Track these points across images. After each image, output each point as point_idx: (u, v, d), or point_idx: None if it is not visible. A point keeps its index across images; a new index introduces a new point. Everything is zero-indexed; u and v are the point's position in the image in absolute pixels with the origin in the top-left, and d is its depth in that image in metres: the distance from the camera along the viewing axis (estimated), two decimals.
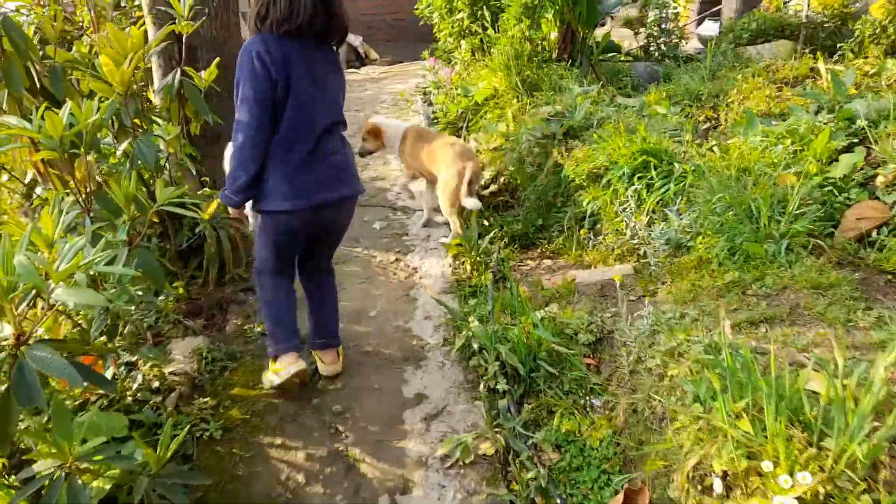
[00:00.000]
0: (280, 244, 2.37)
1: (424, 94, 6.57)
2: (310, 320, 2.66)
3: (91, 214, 2.21)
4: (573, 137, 3.68)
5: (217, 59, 3.78)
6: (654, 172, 2.91)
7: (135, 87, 2.48)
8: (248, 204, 2.31)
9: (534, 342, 2.45)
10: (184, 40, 2.83)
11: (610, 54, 6.39)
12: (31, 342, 1.48)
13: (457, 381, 2.55)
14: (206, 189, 3.54)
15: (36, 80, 2.34)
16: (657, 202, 2.87)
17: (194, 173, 3.15)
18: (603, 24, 7.56)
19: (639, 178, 2.98)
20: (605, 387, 2.17)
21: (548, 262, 3.41)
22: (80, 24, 2.85)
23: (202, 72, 2.79)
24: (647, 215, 2.86)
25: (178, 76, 2.72)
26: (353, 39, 10.90)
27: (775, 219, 2.46)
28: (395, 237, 3.83)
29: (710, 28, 7.26)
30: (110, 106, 2.18)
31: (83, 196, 2.34)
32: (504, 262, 3.39)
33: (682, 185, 2.81)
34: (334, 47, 2.29)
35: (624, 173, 2.97)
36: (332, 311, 2.66)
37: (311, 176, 2.21)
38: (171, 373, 2.56)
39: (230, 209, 2.34)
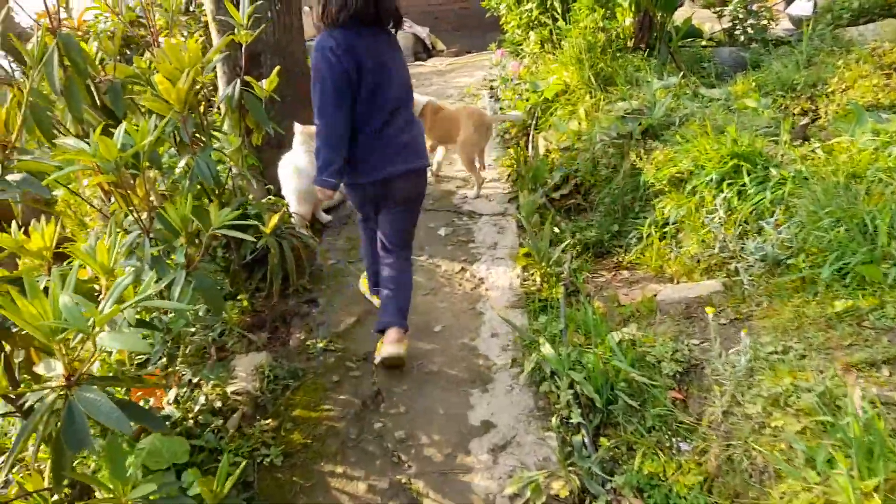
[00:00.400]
0: (360, 207, 2.78)
1: (491, 88, 6.36)
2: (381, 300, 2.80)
3: (151, 235, 2.17)
4: (652, 137, 3.40)
5: (278, 66, 3.77)
6: (746, 178, 2.61)
7: (193, 101, 2.44)
8: None
9: (611, 369, 2.25)
10: (244, 49, 2.77)
11: (689, 39, 5.97)
12: (82, 381, 1.43)
13: (526, 407, 2.38)
14: (270, 197, 3.51)
15: (96, 97, 2.32)
16: (751, 212, 2.58)
17: (255, 186, 3.10)
18: (681, 5, 7.09)
19: (729, 185, 2.69)
20: (693, 427, 1.94)
21: (625, 273, 3.17)
22: (152, 28, 2.85)
23: (265, 78, 2.72)
24: (738, 226, 2.58)
25: (237, 87, 2.66)
26: (420, 31, 10.78)
27: (895, 235, 2.13)
28: (460, 245, 3.68)
29: (803, 7, 6.66)
30: (167, 125, 2.13)
31: (143, 216, 2.31)
32: (577, 273, 3.18)
33: (780, 193, 2.51)
34: (392, 31, 2.50)
35: (712, 179, 2.69)
36: (404, 295, 2.72)
37: (381, 152, 2.48)
38: (233, 392, 2.52)
39: (325, 192, 2.49)
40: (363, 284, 3.22)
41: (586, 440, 2.09)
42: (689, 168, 2.85)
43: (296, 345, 2.94)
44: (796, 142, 2.94)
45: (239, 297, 3.11)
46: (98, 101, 2.37)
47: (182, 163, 2.38)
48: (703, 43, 6.06)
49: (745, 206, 2.56)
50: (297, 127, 3.62)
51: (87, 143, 1.95)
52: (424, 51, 10.78)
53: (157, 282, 2.13)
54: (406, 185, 2.59)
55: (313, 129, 3.45)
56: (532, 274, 3.19)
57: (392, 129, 2.47)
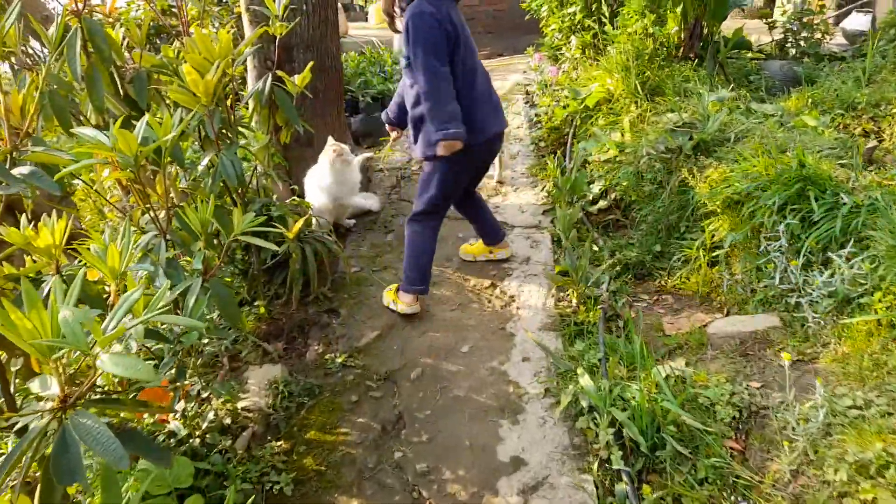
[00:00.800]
0: (459, 180, 2.84)
1: (526, 93, 6.18)
2: (480, 230, 3.34)
3: (168, 237, 2.04)
4: (704, 153, 3.20)
5: (311, 61, 3.64)
6: (814, 205, 2.41)
7: (221, 94, 2.31)
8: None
9: (658, 409, 2.07)
10: (277, 41, 2.63)
11: (736, 51, 5.73)
12: (79, 404, 1.29)
13: (560, 444, 2.20)
14: (295, 198, 3.37)
15: (119, 86, 2.20)
16: (817, 242, 2.37)
17: (280, 186, 2.97)
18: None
19: (792, 211, 2.49)
20: (754, 485, 1.75)
21: (668, 298, 2.98)
22: (183, 18, 2.73)
23: (297, 74, 2.58)
24: (803, 257, 2.37)
25: (268, 82, 2.53)
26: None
27: None
28: (492, 263, 3.51)
29: (859, 21, 6.39)
30: (192, 119, 2.00)
31: (161, 214, 2.18)
32: (616, 295, 2.99)
33: (852, 222, 2.30)
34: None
35: (774, 203, 2.49)
36: (491, 215, 3.33)
37: (483, 113, 2.67)
38: (244, 408, 2.38)
39: (448, 144, 2.54)
40: (388, 296, 3.07)
41: (629, 489, 1.91)
42: (747, 189, 2.64)
43: (313, 358, 2.79)
44: (870, 168, 2.73)
45: (256, 303, 2.98)
46: (121, 91, 2.25)
47: (206, 160, 2.25)
48: (751, 55, 5.83)
49: (812, 235, 2.35)
50: (330, 141, 3.48)
51: (107, 135, 1.83)
52: None
53: (171, 289, 2.01)
54: (499, 144, 2.91)
55: (343, 146, 3.33)
56: (568, 294, 3.01)
57: (485, 90, 2.73)
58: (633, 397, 2.12)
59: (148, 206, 2.19)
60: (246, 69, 3.73)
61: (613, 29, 4.34)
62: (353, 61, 6.75)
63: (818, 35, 5.60)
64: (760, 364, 2.17)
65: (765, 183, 2.58)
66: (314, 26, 3.67)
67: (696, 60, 4.59)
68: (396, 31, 2.74)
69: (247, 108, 2.95)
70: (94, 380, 1.25)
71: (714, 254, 2.92)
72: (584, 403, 2.25)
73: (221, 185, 2.48)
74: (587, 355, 2.52)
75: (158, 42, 5.18)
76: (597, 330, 2.74)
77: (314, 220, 3.53)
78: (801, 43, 5.57)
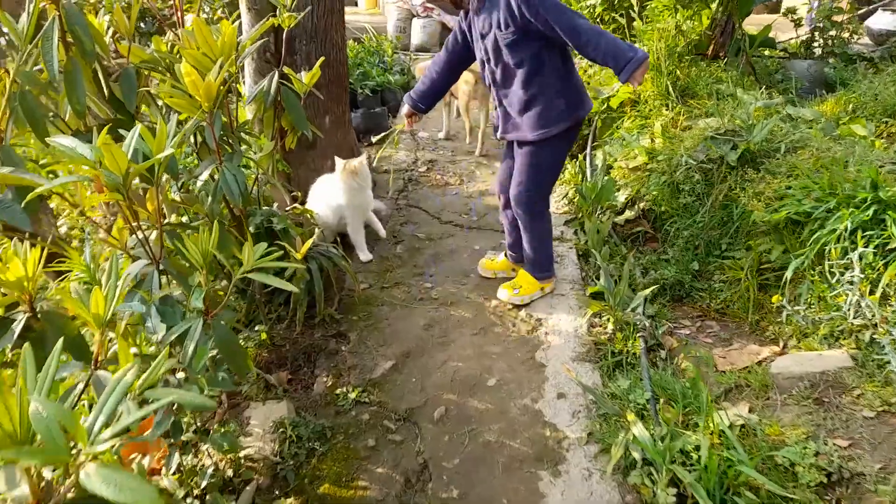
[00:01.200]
0: (564, 158, 2.78)
1: None
2: (514, 243, 3.13)
3: (161, 267, 1.76)
4: (750, 164, 2.96)
5: (315, 54, 3.34)
6: (894, 230, 2.18)
7: (224, 96, 2.02)
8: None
9: (723, 462, 1.83)
10: (280, 33, 2.35)
11: (758, 49, 5.51)
12: None
13: (610, 503, 1.96)
14: (297, 206, 3.08)
15: (104, 84, 1.91)
16: None
17: (283, 192, 2.68)
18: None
19: (864, 236, 2.26)
20: None
21: (712, 325, 2.75)
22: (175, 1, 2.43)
23: (300, 69, 2.31)
24: (881, 288, 2.14)
25: (274, 80, 2.25)
26: (449, 20, 10.26)
27: None
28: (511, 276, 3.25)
29: (886, 21, 6.20)
30: (190, 128, 1.72)
31: (153, 236, 1.90)
32: (655, 321, 2.75)
33: None
34: None
35: (846, 228, 2.25)
36: None
37: (582, 86, 2.67)
38: (247, 457, 2.11)
39: (643, 69, 2.38)
40: (509, 293, 3.01)
41: None
42: (808, 209, 2.41)
43: (321, 391, 2.52)
44: None
45: (256, 328, 2.70)
46: (105, 91, 1.96)
47: (205, 173, 1.96)
48: (775, 53, 5.61)
49: (893, 266, 2.12)
50: (339, 162, 3.21)
51: (90, 147, 1.55)
52: None
53: (167, 330, 1.73)
54: None
55: (357, 163, 3.07)
56: (604, 320, 2.76)
57: (575, 68, 2.69)
58: (696, 449, 1.89)
59: (137, 225, 1.91)
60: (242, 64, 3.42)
61: (643, 23, 4.08)
62: (350, 51, 6.44)
63: (846, 34, 5.39)
64: (841, 415, 1.94)
65: (834, 204, 2.34)
66: (319, 15, 3.37)
67: (726, 60, 4.36)
68: (459, 6, 2.63)
69: (243, 108, 2.67)
70: (71, 488, 0.98)
71: (764, 277, 2.69)
72: (635, 455, 2.01)
73: (218, 223, 2.20)
74: (633, 393, 2.28)
75: (143, 26, 4.83)
76: (638, 362, 2.51)
77: (316, 231, 3.26)
78: (830, 42, 5.35)
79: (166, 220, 2.19)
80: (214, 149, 1.89)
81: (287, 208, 3.08)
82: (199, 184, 1.92)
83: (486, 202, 4.09)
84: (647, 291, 2.67)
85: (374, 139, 4.94)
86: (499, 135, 2.78)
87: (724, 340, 2.61)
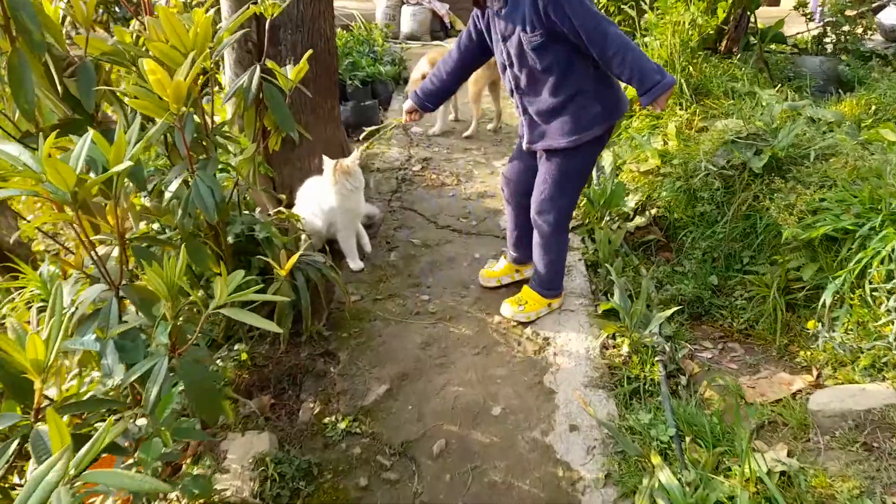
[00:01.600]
0: (593, 165, 2.59)
1: None
2: (518, 240, 2.93)
3: (122, 293, 1.53)
4: (776, 172, 2.76)
5: (301, 45, 3.10)
6: None
7: (198, 95, 1.78)
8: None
9: None
10: (263, 22, 2.11)
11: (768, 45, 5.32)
12: None
13: None
14: (282, 210, 2.85)
15: (56, 81, 1.67)
16: None
17: (265, 198, 2.46)
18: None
19: None
20: None
21: (736, 348, 2.56)
22: None
23: (284, 61, 2.08)
24: None
25: (256, 76, 2.01)
26: (439, 7, 9.94)
27: None
28: (516, 285, 3.04)
29: None
30: (156, 133, 1.49)
31: (114, 253, 1.67)
32: (674, 342, 2.56)
33: None
34: None
35: (893, 249, 2.06)
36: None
37: (618, 85, 2.47)
38: (222, 500, 1.89)
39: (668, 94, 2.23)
40: (513, 309, 2.79)
41: None
42: (850, 226, 2.22)
43: (308, 419, 2.30)
44: None
45: (236, 347, 2.47)
46: (60, 88, 1.72)
47: (175, 182, 1.72)
48: (785, 49, 5.42)
49: None
50: (328, 163, 2.97)
51: (35, 158, 1.32)
52: (442, 29, 9.95)
53: (128, 369, 1.51)
54: None
55: (350, 163, 2.86)
56: (618, 341, 2.56)
57: None
58: (730, 499, 1.70)
59: (91, 244, 1.67)
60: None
61: (654, 14, 3.85)
62: (338, 39, 6.19)
63: (859, 30, 5.21)
64: (891, 457, 1.75)
65: (876, 221, 2.15)
66: (306, 3, 3.12)
67: (738, 55, 4.16)
68: (477, 4, 2.43)
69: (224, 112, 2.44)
70: None
71: (791, 296, 2.51)
72: (659, 501, 1.81)
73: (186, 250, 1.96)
74: (654, 429, 2.08)
75: (118, 11, 4.54)
76: (657, 389, 2.31)
77: (303, 237, 3.03)
78: (843, 38, 5.17)
79: (133, 232, 1.96)
80: (185, 155, 1.66)
81: (271, 212, 2.86)
82: (167, 195, 1.69)
83: (486, 205, 3.87)
84: (668, 313, 2.47)
85: (363, 135, 4.70)
86: (525, 144, 2.57)
87: (751, 366, 2.42)
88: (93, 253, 1.52)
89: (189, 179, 1.70)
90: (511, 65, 2.40)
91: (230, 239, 2.31)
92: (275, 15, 2.08)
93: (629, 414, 2.21)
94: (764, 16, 5.67)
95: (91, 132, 1.34)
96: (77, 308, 1.57)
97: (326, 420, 2.27)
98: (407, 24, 9.26)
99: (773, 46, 5.37)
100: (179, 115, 1.54)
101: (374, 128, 4.77)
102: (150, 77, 1.43)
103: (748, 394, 2.22)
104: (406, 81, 6.08)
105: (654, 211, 3.35)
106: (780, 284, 2.51)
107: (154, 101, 1.49)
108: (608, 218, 3.38)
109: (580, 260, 3.16)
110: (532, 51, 2.26)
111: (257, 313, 2.63)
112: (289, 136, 2.72)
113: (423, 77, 4.72)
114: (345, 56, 5.82)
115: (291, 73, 2.12)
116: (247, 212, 2.63)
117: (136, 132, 1.45)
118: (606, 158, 3.78)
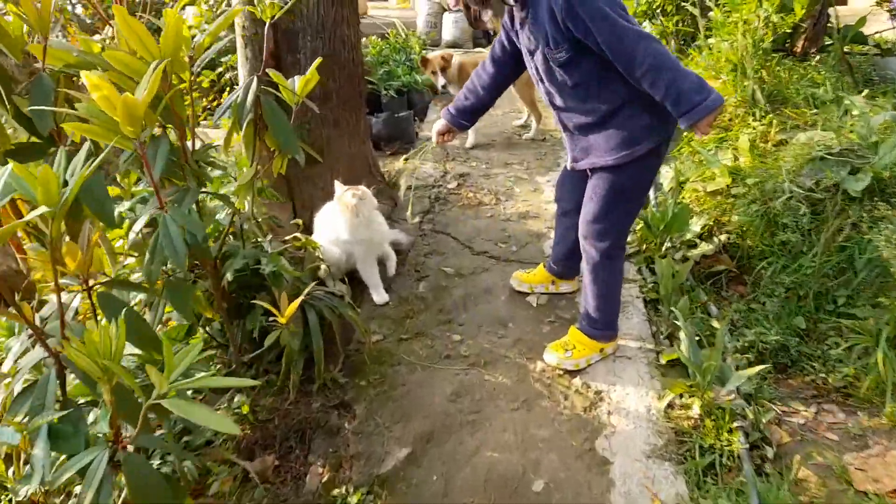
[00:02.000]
0: (651, 184, 2.22)
1: None
2: (561, 252, 2.67)
3: (64, 364, 1.23)
4: (879, 195, 2.32)
5: (322, 52, 2.81)
6: None
7: (182, 111, 1.49)
8: None
9: None
10: (269, 25, 1.81)
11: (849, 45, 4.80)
12: None
13: None
14: (298, 236, 2.55)
15: (3, 98, 1.39)
16: None
17: (260, 233, 2.17)
18: None
19: None
20: None
21: (834, 410, 2.12)
22: None
23: (306, 69, 1.77)
24: None
25: (252, 88, 1.71)
26: (483, 14, 9.65)
27: None
28: (562, 324, 2.66)
29: None
30: (106, 159, 1.19)
31: (61, 300, 1.38)
32: (756, 401, 2.14)
33: None
34: None
35: None
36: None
37: None
38: None
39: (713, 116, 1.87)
40: (560, 355, 2.40)
41: None
42: None
43: (314, 487, 1.98)
44: None
45: (237, 400, 2.17)
46: (9, 106, 1.44)
47: (143, 218, 1.42)
48: (865, 50, 4.89)
49: None
50: (339, 188, 2.67)
51: None
52: (485, 36, 9.66)
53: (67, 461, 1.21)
54: None
55: (354, 200, 2.57)
56: (687, 400, 2.16)
57: None
58: None
59: (65, 283, 1.39)
60: (238, 62, 2.92)
61: (721, 12, 3.43)
62: (374, 47, 5.95)
63: None
64: None
65: None
66: (326, 7, 2.83)
67: (815, 57, 3.70)
68: (481, 27, 2.20)
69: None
70: None
71: None
72: None
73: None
74: None
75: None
76: (736, 464, 1.90)
77: (322, 267, 2.73)
78: None
79: (100, 275, 1.67)
80: (153, 187, 1.35)
81: (286, 238, 2.56)
82: (131, 236, 1.39)
83: (528, 227, 3.50)
84: (754, 371, 2.05)
85: (403, 157, 4.41)
86: (569, 164, 2.23)
87: (856, 438, 1.98)
88: (54, 287, 1.23)
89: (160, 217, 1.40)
90: (541, 80, 2.11)
91: (228, 276, 2.02)
92: (276, 17, 1.78)
93: (703, 498, 1.81)
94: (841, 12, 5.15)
95: (10, 164, 1.05)
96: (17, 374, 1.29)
97: (335, 492, 1.94)
98: (449, 31, 8.99)
99: (852, 47, 4.86)
100: (140, 140, 1.23)
101: (413, 151, 4.49)
102: (94, 94, 1.13)
103: (856, 478, 1.79)
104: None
105: (723, 237, 2.93)
106: (890, 334, 2.07)
107: (103, 125, 1.19)
108: (669, 244, 2.97)
109: (638, 297, 2.76)
110: (559, 67, 1.96)
111: (266, 356, 2.34)
112: (306, 153, 2.43)
113: (442, 63, 4.48)
114: (380, 64, 5.57)
115: (299, 85, 1.81)
116: (257, 240, 2.35)
117: (82, 157, 1.16)
118: (666, 175, 3.37)
